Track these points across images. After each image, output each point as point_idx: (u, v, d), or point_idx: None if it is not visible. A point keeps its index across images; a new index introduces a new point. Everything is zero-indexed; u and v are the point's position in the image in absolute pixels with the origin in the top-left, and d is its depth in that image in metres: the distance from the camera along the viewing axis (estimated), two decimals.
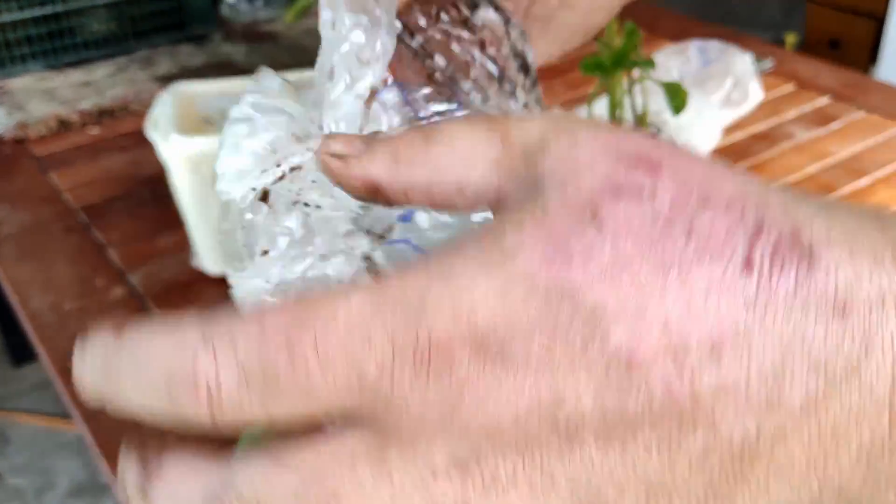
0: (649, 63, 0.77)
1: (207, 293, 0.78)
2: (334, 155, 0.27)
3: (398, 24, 0.36)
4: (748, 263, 0.21)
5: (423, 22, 0.37)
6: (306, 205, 0.31)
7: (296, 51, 1.25)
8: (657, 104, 0.81)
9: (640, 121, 0.81)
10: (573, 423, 0.21)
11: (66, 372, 0.69)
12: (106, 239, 0.86)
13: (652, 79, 0.77)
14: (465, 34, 0.37)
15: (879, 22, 2.41)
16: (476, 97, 0.35)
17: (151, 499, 0.23)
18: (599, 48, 0.75)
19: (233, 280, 0.30)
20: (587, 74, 0.75)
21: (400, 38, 0.36)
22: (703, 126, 0.85)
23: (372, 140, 0.27)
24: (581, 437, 0.21)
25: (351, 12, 0.32)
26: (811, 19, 2.53)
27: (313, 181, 0.30)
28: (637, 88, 0.80)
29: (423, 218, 0.32)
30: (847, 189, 0.91)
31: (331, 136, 0.28)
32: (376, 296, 0.21)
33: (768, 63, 1.19)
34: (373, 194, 0.27)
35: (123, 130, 1.07)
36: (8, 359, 1.97)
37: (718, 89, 1.03)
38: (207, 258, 0.78)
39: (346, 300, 0.21)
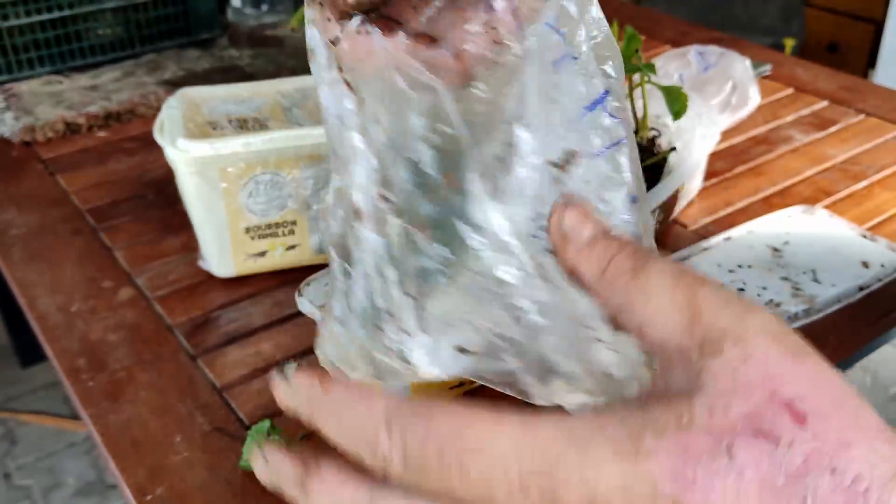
0: (650, 67, 0.77)
1: (213, 295, 0.79)
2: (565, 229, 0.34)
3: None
4: None
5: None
6: None
7: (301, 55, 1.26)
8: (657, 108, 0.82)
9: (641, 124, 0.82)
10: None
11: (73, 372, 0.70)
12: (113, 241, 0.87)
13: (652, 83, 0.78)
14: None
15: (878, 26, 2.42)
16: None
17: (311, 491, 0.29)
18: None
19: None
20: None
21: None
22: (702, 129, 0.86)
23: (596, 235, 0.33)
24: None
25: None
26: (810, 24, 2.53)
27: None
28: (637, 92, 0.81)
29: None
30: (845, 192, 0.92)
31: (569, 205, 0.34)
32: (521, 441, 0.26)
33: (767, 67, 1.20)
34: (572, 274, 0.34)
35: (130, 134, 1.08)
36: (16, 360, 1.98)
37: (718, 93, 1.04)
38: (213, 260, 0.79)
39: (497, 435, 0.26)
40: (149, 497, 0.58)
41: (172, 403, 0.66)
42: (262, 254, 0.78)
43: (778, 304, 0.73)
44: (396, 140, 0.38)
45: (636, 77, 0.79)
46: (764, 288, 0.75)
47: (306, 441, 0.60)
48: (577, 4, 0.36)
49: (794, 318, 0.71)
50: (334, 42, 0.38)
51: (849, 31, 2.51)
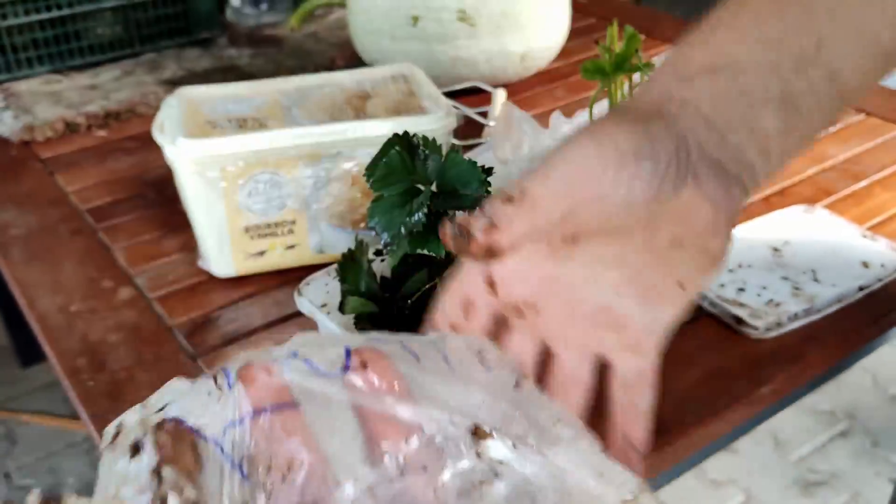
0: (649, 67, 0.77)
1: (213, 295, 0.79)
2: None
3: None
4: None
5: None
6: None
7: (300, 55, 1.26)
8: None
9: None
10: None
11: (73, 372, 0.70)
12: (112, 241, 0.87)
13: None
14: None
15: None
16: None
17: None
18: (600, 52, 0.76)
19: None
20: (588, 79, 0.76)
21: None
22: None
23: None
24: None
25: None
26: None
27: None
28: None
29: None
30: (846, 191, 0.92)
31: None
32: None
33: None
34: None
35: (130, 133, 1.08)
36: (16, 360, 1.99)
37: None
38: (213, 260, 0.79)
39: None
40: None
41: None
42: (262, 253, 0.78)
43: (778, 304, 0.73)
44: None
45: (636, 77, 0.79)
46: (764, 288, 0.75)
47: None
48: None
49: (794, 318, 0.71)
50: None
51: None
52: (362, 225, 0.78)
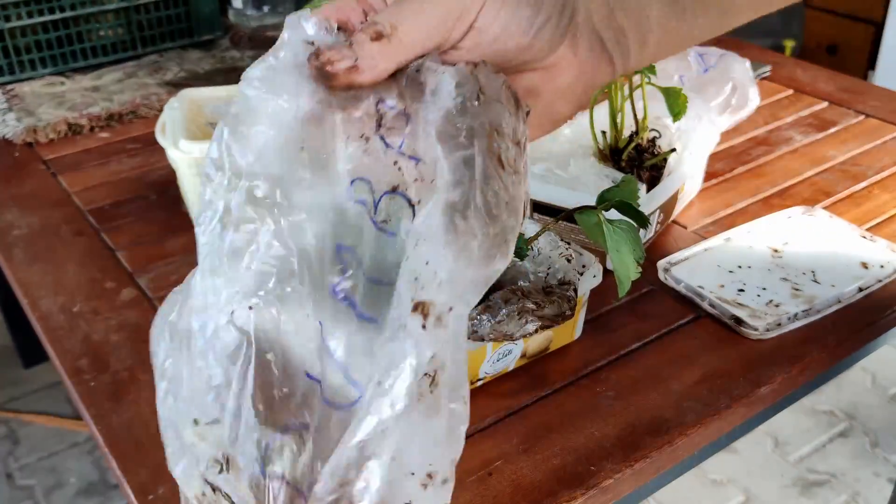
0: (650, 69, 0.78)
1: None
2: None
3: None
4: None
5: None
6: None
7: None
8: (657, 109, 0.82)
9: (641, 125, 0.82)
10: None
11: (75, 373, 0.70)
12: (115, 241, 0.87)
13: (652, 84, 0.79)
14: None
15: (877, 27, 2.42)
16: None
17: None
18: None
19: None
20: None
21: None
22: (702, 131, 0.86)
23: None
24: None
25: None
26: (810, 25, 2.54)
27: None
28: (638, 94, 0.81)
29: None
30: (845, 192, 0.92)
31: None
32: None
33: (767, 69, 1.20)
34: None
35: (132, 135, 1.09)
36: (18, 360, 1.99)
37: (718, 94, 1.04)
38: None
39: None
40: (151, 497, 0.58)
41: None
42: None
43: (778, 305, 0.73)
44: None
45: (636, 78, 0.80)
46: (764, 288, 0.75)
47: None
48: None
49: (794, 318, 0.72)
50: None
51: (848, 32, 2.51)
52: None
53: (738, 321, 0.71)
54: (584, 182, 0.78)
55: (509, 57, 0.42)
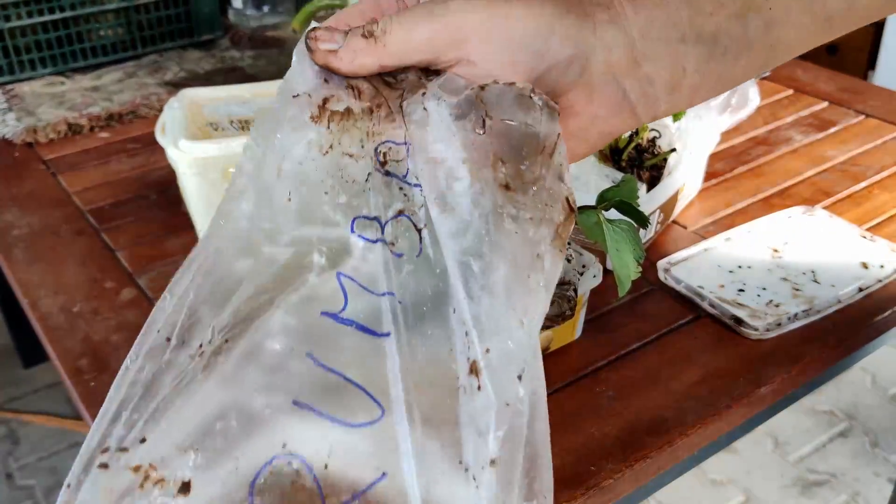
0: None
1: None
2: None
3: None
4: None
5: None
6: None
7: None
8: None
9: (641, 125, 0.82)
10: None
11: (75, 373, 0.70)
12: (115, 242, 0.87)
13: None
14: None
15: (878, 27, 2.42)
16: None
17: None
18: None
19: None
20: None
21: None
22: (702, 131, 0.86)
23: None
24: None
25: None
26: None
27: None
28: None
29: None
30: (845, 192, 0.92)
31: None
32: None
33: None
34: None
35: (132, 135, 1.09)
36: (18, 360, 1.99)
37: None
38: None
39: None
40: None
41: None
42: None
43: (778, 305, 0.73)
44: None
45: None
46: (764, 288, 0.75)
47: None
48: None
49: (794, 318, 0.72)
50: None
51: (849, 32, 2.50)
52: None
53: (738, 321, 0.71)
54: (583, 182, 0.78)
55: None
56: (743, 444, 1.74)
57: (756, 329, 0.70)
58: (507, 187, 0.39)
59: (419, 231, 0.40)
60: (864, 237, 0.82)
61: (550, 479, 0.38)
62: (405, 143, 0.41)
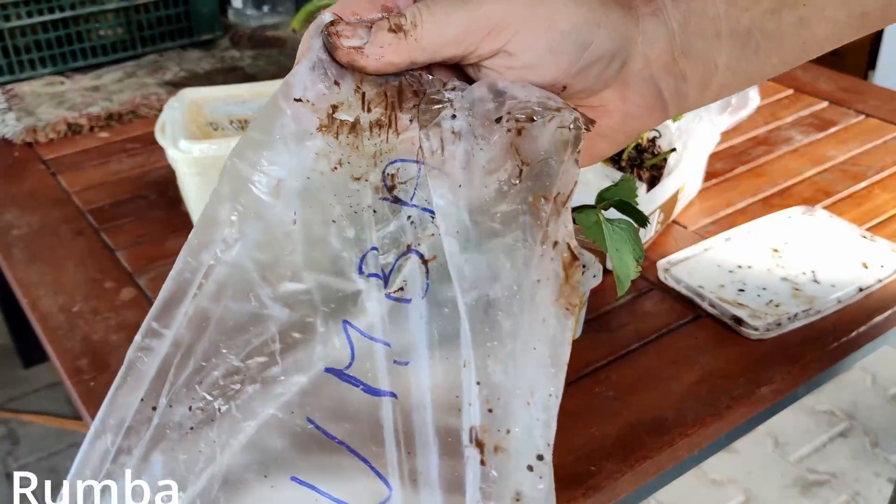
0: None
1: None
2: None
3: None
4: None
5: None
6: None
7: None
8: None
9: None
10: None
11: (75, 372, 0.70)
12: (115, 241, 0.87)
13: None
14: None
15: None
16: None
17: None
18: None
19: None
20: None
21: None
22: (702, 130, 0.86)
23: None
24: None
25: None
26: None
27: None
28: None
29: None
30: (845, 192, 0.92)
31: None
32: None
33: None
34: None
35: (132, 135, 1.09)
36: (18, 360, 1.99)
37: None
38: None
39: None
40: None
41: None
42: None
43: (778, 305, 0.73)
44: None
45: None
46: (764, 288, 0.75)
47: None
48: None
49: (793, 318, 0.72)
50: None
51: None
52: None
53: (739, 321, 0.71)
54: (583, 181, 0.78)
55: (544, 88, 0.39)
56: (743, 444, 1.74)
57: (756, 329, 0.70)
58: (546, 223, 0.36)
59: (426, 263, 0.37)
60: (864, 237, 0.82)
61: None
62: (417, 162, 0.38)
